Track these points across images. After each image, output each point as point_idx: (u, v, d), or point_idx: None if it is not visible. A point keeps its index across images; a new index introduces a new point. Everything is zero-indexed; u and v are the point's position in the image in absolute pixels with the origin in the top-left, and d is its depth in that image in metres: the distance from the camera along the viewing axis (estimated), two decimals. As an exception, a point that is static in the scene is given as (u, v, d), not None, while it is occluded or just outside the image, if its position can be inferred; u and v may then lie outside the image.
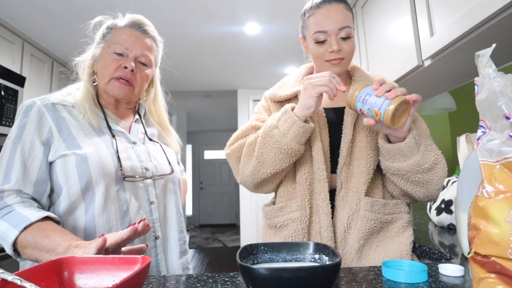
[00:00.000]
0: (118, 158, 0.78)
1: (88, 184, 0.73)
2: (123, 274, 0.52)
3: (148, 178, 0.82)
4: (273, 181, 0.88)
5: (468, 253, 0.45)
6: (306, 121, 0.80)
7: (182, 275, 0.65)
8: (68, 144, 0.75)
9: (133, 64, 0.83)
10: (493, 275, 0.41)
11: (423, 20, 1.19)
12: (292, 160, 0.82)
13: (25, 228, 0.65)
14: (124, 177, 0.77)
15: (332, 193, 0.87)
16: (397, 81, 1.42)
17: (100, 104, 0.86)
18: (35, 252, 0.65)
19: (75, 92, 0.85)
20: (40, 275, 0.49)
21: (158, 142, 0.93)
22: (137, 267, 0.52)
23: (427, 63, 1.21)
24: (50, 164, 0.75)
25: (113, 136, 0.82)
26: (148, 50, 0.87)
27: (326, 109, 0.90)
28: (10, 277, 0.43)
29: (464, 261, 0.80)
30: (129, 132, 0.88)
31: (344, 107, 0.88)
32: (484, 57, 0.43)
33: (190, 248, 5.38)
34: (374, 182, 0.87)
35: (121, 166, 0.77)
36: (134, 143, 0.86)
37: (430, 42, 1.15)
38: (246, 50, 2.94)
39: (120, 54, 0.83)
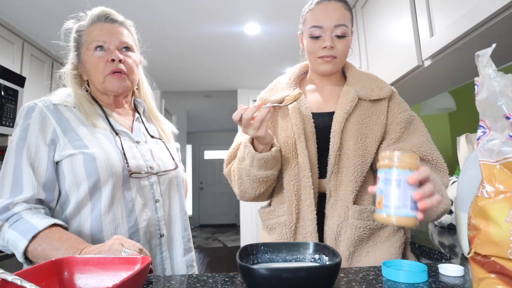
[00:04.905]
0: (125, 156, 0.78)
1: (96, 184, 0.73)
2: (123, 274, 0.52)
3: (153, 174, 0.83)
4: (264, 195, 0.93)
5: (468, 253, 0.45)
6: (272, 145, 0.83)
7: (182, 275, 0.65)
8: (74, 144, 0.75)
9: (119, 55, 0.82)
10: (493, 275, 0.41)
11: (423, 20, 1.19)
12: (268, 184, 0.86)
13: (34, 237, 0.65)
14: (131, 174, 0.77)
15: (323, 198, 0.86)
16: (397, 81, 1.42)
17: (99, 104, 0.86)
18: None
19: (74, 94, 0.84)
20: (40, 275, 0.49)
21: (160, 139, 0.94)
22: (137, 267, 0.52)
23: (427, 63, 1.20)
24: (57, 164, 0.75)
25: (117, 134, 0.82)
26: (124, 36, 0.86)
27: (314, 114, 0.88)
28: (10, 277, 0.43)
29: (464, 261, 0.80)
30: (131, 132, 0.88)
31: (333, 112, 0.87)
32: (484, 57, 0.43)
33: (190, 248, 5.36)
34: (364, 190, 0.86)
35: (127, 163, 0.77)
36: (137, 142, 0.86)
37: (430, 42, 1.15)
38: (246, 50, 2.94)
39: (101, 50, 0.82)
